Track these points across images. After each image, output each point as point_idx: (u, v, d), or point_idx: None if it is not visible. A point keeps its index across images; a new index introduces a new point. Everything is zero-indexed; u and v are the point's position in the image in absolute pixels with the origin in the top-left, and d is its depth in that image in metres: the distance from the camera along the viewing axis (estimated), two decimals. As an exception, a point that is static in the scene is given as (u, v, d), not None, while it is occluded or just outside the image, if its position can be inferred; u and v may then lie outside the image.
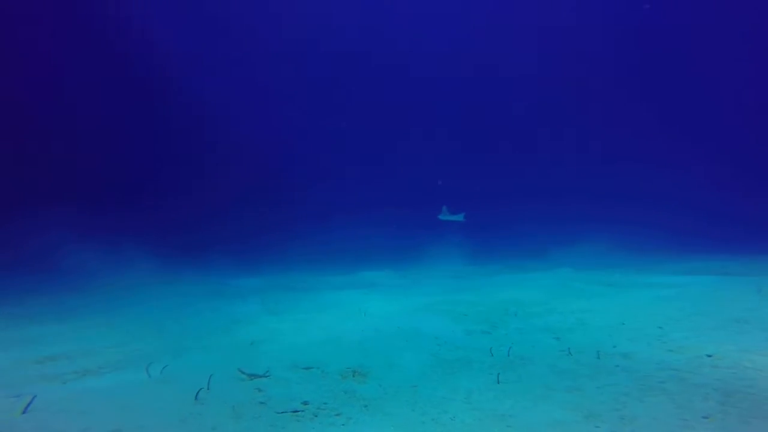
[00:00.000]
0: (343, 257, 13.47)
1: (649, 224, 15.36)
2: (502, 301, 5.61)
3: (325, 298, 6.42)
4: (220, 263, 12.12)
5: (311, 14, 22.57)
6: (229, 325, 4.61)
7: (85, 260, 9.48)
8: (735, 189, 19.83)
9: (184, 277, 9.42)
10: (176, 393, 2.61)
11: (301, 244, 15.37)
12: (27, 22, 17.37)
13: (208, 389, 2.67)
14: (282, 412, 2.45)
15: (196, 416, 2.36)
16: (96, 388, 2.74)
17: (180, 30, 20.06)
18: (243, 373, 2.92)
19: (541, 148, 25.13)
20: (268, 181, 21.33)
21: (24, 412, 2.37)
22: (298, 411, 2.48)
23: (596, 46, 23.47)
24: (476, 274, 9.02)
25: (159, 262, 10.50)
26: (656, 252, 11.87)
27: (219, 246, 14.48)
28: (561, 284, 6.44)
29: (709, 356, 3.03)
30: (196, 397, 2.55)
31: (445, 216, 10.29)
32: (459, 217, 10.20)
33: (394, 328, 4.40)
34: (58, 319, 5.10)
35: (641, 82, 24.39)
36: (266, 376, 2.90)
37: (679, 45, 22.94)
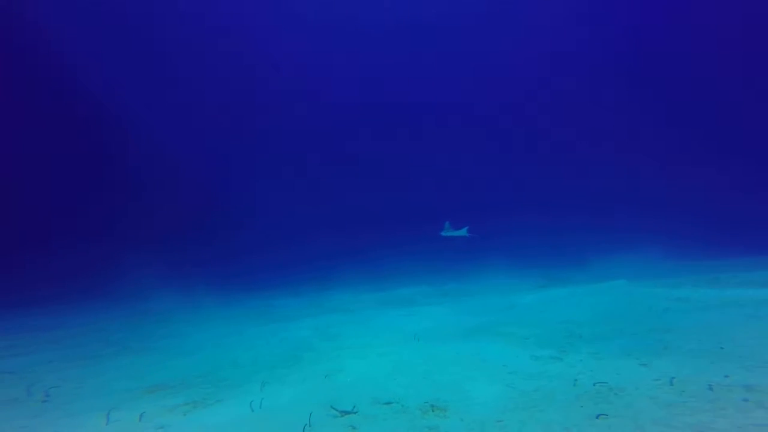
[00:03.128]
0: (376, 273, 13.40)
1: (690, 232, 14.46)
2: (562, 321, 5.31)
3: (370, 319, 6.34)
4: (257, 283, 12.37)
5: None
6: (294, 353, 4.62)
7: (150, 288, 9.95)
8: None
9: (232, 299, 9.66)
10: (284, 430, 2.69)
11: (332, 263, 15.48)
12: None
13: (310, 426, 2.70)
14: (376, 453, 2.37)
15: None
16: (214, 423, 2.87)
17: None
18: (335, 409, 2.91)
19: (571, 159, 24.51)
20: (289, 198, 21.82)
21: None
22: (390, 451, 2.38)
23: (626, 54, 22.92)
24: (519, 288, 8.66)
25: (208, 287, 10.85)
26: (711, 259, 11.03)
27: (251, 266, 14.84)
28: (621, 300, 6.03)
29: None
30: (303, 434, 2.58)
31: (447, 232, 10.05)
32: (462, 232, 9.93)
33: (453, 354, 4.23)
34: (142, 349, 5.31)
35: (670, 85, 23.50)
36: (355, 413, 2.85)
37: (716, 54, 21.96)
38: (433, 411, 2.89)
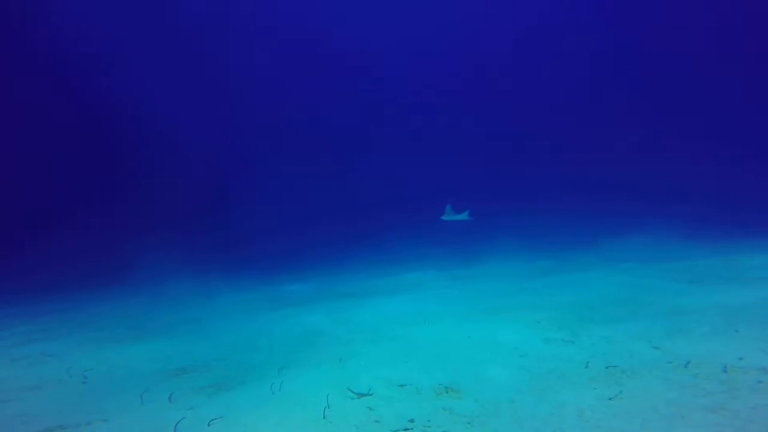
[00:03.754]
0: (384, 258, 13.53)
1: (704, 213, 14.14)
2: (573, 303, 5.34)
3: (380, 304, 6.45)
4: (268, 268, 12.61)
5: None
6: (307, 338, 4.76)
7: (165, 272, 10.25)
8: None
9: (244, 284, 9.89)
10: (305, 411, 2.81)
11: (337, 247, 15.64)
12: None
13: (329, 407, 2.81)
14: (396, 431, 2.48)
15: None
16: (239, 405, 3.01)
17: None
18: (351, 391, 3.02)
19: (577, 141, 23.90)
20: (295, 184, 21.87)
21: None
22: (408, 429, 2.49)
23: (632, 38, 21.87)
24: (528, 273, 8.67)
25: (220, 272, 11.11)
26: (726, 241, 10.83)
27: (260, 251, 15.10)
28: (632, 283, 6.02)
29: None
30: (323, 416, 2.71)
31: (448, 216, 9.95)
32: (463, 216, 9.83)
33: (464, 337, 4.31)
34: (160, 335, 5.52)
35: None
36: (370, 395, 2.95)
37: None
38: (447, 392, 2.98)
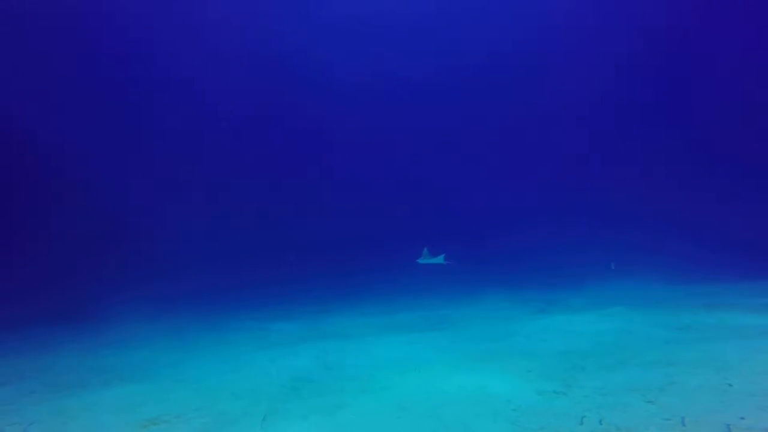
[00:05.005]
0: (371, 296, 13.22)
1: (687, 253, 14.53)
2: (563, 351, 5.26)
3: (369, 347, 6.22)
4: (248, 303, 12.11)
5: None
6: (293, 384, 4.49)
7: (129, 311, 9.66)
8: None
9: (226, 321, 9.40)
10: None
11: (325, 283, 15.26)
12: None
13: None
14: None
15: None
16: None
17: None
18: None
19: (563, 170, 24.55)
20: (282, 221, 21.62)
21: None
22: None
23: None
24: (518, 315, 8.59)
25: (200, 308, 10.58)
26: (709, 283, 11.09)
27: (244, 287, 14.56)
28: (622, 329, 6.01)
29: None
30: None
31: (424, 259, 10.00)
32: (439, 260, 9.90)
33: (456, 389, 4.14)
34: (131, 379, 5.09)
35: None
36: None
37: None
38: (438, 453, 2.80)
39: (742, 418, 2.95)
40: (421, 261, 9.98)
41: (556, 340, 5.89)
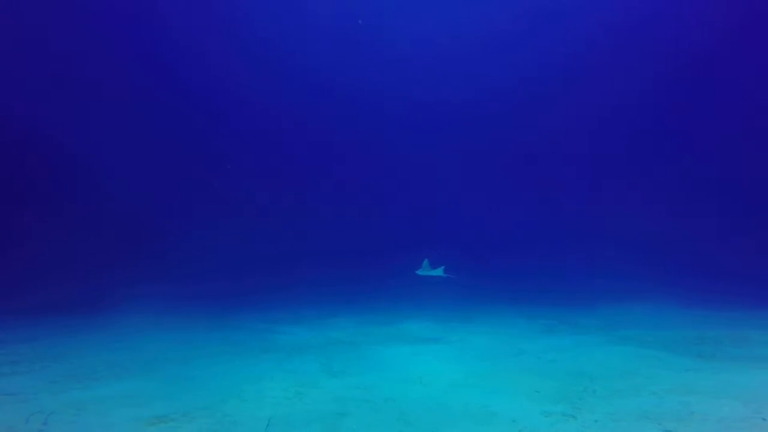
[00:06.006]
0: (379, 303, 13.14)
1: (706, 281, 13.95)
2: (573, 372, 5.09)
3: (375, 356, 6.17)
4: (256, 305, 12.19)
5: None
6: (298, 389, 4.46)
7: (149, 306, 9.86)
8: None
9: (230, 322, 9.48)
10: None
11: (332, 289, 15.26)
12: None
13: None
14: None
15: None
16: None
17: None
18: None
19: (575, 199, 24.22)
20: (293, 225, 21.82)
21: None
22: None
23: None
24: (526, 332, 8.38)
25: (209, 307, 10.71)
26: (729, 308, 10.59)
27: (252, 290, 14.69)
28: (634, 353, 5.79)
29: None
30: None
31: (424, 271, 9.78)
32: (438, 272, 9.68)
33: (461, 405, 4.05)
34: (141, 374, 5.17)
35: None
36: None
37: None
38: (441, 471, 2.73)
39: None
40: (420, 272, 9.84)
41: (565, 360, 5.71)
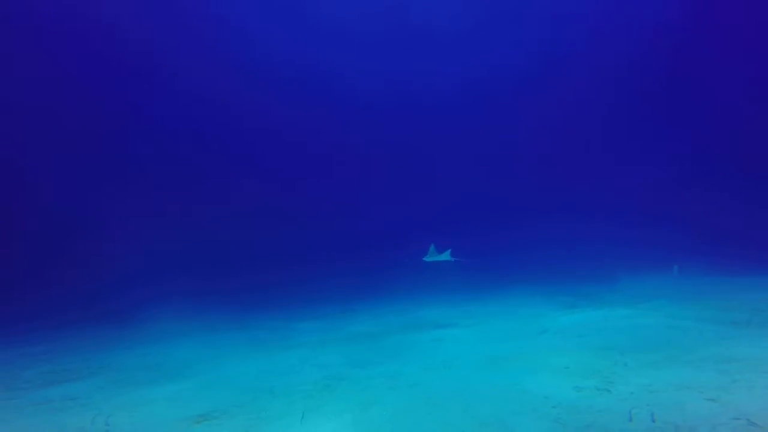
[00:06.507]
0: (393, 292, 13.10)
1: (733, 246, 13.37)
2: (601, 347, 4.93)
3: (396, 344, 6.12)
4: (273, 302, 12.29)
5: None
6: (326, 382, 4.46)
7: (169, 311, 10.02)
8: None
9: (252, 320, 9.56)
10: None
11: (346, 281, 15.27)
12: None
13: None
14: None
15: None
16: None
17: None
18: None
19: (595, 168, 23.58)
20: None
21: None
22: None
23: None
24: (547, 310, 8.20)
25: (228, 305, 10.81)
26: (759, 274, 10.18)
27: (269, 286, 14.82)
28: (665, 324, 5.59)
29: None
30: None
31: (431, 257, 9.55)
32: (445, 256, 9.44)
33: (489, 385, 3.95)
34: (177, 377, 5.29)
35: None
36: None
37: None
38: (477, 451, 2.64)
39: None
40: (427, 259, 9.68)
41: (592, 336, 5.55)
